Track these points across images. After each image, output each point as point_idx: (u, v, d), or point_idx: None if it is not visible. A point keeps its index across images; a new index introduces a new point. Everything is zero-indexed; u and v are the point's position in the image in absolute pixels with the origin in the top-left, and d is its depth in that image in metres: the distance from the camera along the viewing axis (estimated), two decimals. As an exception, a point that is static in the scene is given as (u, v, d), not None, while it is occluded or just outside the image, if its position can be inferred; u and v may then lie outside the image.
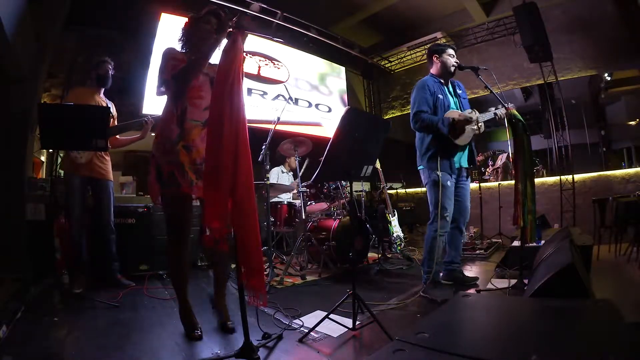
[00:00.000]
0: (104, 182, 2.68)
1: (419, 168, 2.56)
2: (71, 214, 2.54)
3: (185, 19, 1.92)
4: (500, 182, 5.50)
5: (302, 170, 3.53)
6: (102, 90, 2.74)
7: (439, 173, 2.34)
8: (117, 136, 2.76)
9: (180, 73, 1.69)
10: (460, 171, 2.52)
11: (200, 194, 1.70)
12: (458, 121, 2.36)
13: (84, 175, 2.59)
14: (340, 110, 6.09)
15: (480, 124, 2.40)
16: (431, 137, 2.43)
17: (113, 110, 2.82)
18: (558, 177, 5.17)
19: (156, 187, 1.71)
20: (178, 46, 1.86)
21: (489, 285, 2.47)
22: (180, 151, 1.69)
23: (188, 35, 1.85)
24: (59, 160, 3.82)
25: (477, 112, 2.45)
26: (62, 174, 3.85)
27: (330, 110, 6.15)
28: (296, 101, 5.49)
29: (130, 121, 2.71)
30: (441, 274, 2.55)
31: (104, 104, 2.70)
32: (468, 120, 2.36)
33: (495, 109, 2.42)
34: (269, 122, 4.08)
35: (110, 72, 2.73)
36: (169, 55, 1.77)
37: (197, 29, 1.82)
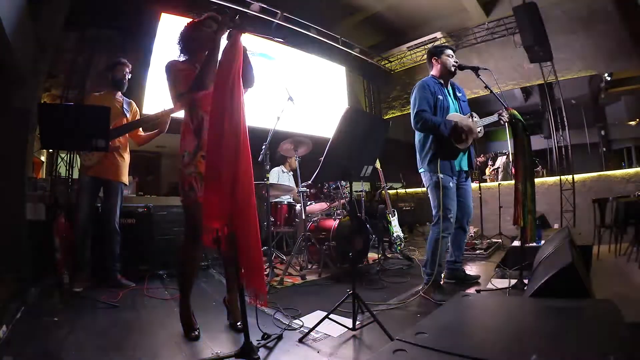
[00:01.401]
0: (114, 183, 2.67)
1: (420, 171, 2.55)
2: (77, 214, 2.55)
3: (185, 23, 1.91)
4: (500, 182, 5.50)
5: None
6: (119, 92, 2.76)
7: (440, 175, 2.33)
8: (140, 133, 2.75)
9: (194, 84, 1.69)
10: (460, 173, 2.52)
11: None
12: (461, 125, 2.35)
13: (94, 176, 2.60)
14: (340, 110, 6.08)
15: (479, 129, 2.42)
16: (432, 140, 2.42)
17: (133, 107, 2.83)
18: (558, 177, 5.17)
19: (181, 196, 1.76)
20: (176, 50, 1.85)
21: (489, 285, 2.47)
22: (199, 162, 1.72)
23: (187, 40, 1.83)
24: (59, 160, 3.83)
25: (476, 115, 2.46)
26: (62, 174, 3.87)
27: (330, 110, 6.15)
28: (296, 101, 5.47)
29: (141, 118, 2.72)
30: (443, 274, 2.54)
31: (121, 104, 2.71)
32: (470, 128, 2.36)
33: (499, 114, 2.42)
34: (269, 122, 4.07)
35: (127, 75, 2.75)
36: (176, 68, 1.78)
37: (198, 34, 1.81)
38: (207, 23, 1.81)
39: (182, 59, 1.85)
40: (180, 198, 1.79)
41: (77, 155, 2.67)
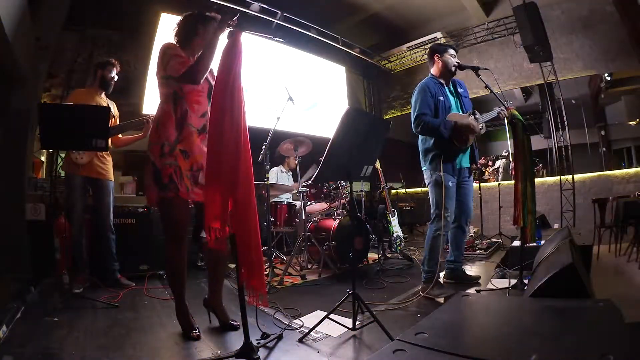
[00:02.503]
0: (104, 182, 2.68)
1: (423, 169, 2.56)
2: (71, 214, 2.54)
3: (185, 14, 1.87)
4: (500, 182, 5.50)
5: (309, 176, 3.52)
6: (103, 92, 2.75)
7: (441, 174, 2.34)
8: (119, 135, 2.76)
9: (186, 75, 1.66)
10: (462, 171, 2.52)
11: (196, 199, 1.70)
12: (461, 125, 2.35)
13: (85, 175, 2.59)
14: (340, 110, 6.08)
15: (481, 125, 2.41)
16: (432, 141, 2.42)
17: (114, 110, 2.82)
18: (558, 177, 5.17)
19: (154, 190, 1.69)
20: (173, 35, 1.81)
21: (489, 285, 2.47)
22: (178, 155, 1.67)
23: (190, 31, 1.79)
24: (59, 160, 3.83)
25: (477, 112, 2.45)
26: (62, 174, 3.87)
27: (329, 110, 6.15)
28: (296, 101, 5.48)
29: (129, 121, 2.72)
30: (443, 273, 2.54)
31: (105, 104, 2.70)
32: (470, 125, 2.35)
33: (499, 108, 2.44)
34: (269, 122, 4.07)
35: (114, 76, 2.73)
36: (172, 51, 1.72)
37: (202, 30, 1.79)
38: (213, 25, 1.76)
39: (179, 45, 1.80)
40: (151, 194, 1.69)
41: (64, 155, 2.62)
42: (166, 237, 1.76)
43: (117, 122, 2.80)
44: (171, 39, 1.84)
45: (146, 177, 1.72)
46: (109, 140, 2.71)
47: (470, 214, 2.58)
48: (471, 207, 2.60)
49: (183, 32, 1.81)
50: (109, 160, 2.75)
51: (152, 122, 2.50)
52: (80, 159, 2.56)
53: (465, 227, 2.59)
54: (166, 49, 1.73)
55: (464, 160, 2.52)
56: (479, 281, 2.58)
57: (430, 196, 2.49)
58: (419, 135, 2.52)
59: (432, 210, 2.45)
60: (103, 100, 2.72)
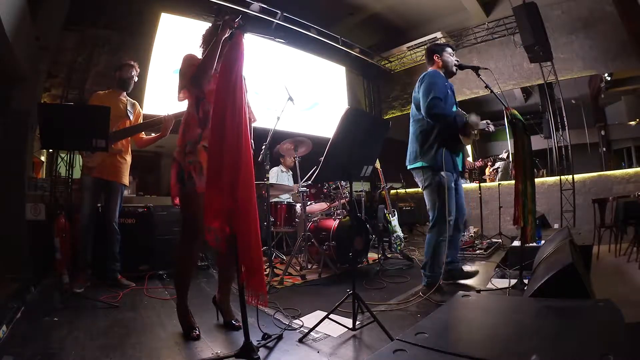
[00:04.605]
0: (114, 184, 2.67)
1: (414, 166, 2.46)
2: (79, 213, 2.56)
3: (213, 23, 1.92)
4: (500, 182, 5.50)
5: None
6: (124, 92, 2.77)
7: (444, 174, 2.30)
8: (142, 135, 2.76)
9: (192, 80, 1.71)
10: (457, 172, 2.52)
11: None
12: (472, 122, 2.32)
13: (97, 177, 2.60)
14: (340, 110, 6.07)
15: (475, 131, 2.42)
16: (437, 132, 2.36)
17: (137, 109, 2.84)
18: (558, 177, 5.17)
19: (176, 187, 1.74)
20: (201, 49, 1.87)
21: (489, 285, 2.47)
22: (200, 151, 1.71)
23: (207, 42, 1.83)
24: (59, 160, 3.83)
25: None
26: (62, 174, 3.88)
27: (329, 110, 6.15)
28: (296, 101, 5.48)
29: (145, 122, 2.74)
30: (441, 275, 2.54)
31: (124, 104, 2.72)
32: (476, 125, 2.35)
33: (487, 123, 2.42)
34: (269, 122, 4.07)
35: (134, 76, 2.76)
36: (190, 61, 1.78)
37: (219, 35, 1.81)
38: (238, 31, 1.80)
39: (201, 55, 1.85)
40: (175, 191, 1.75)
41: (80, 156, 2.66)
42: (182, 233, 1.79)
43: (140, 121, 2.81)
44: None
45: (172, 176, 1.77)
46: (129, 139, 2.73)
47: (465, 213, 2.59)
48: (465, 206, 2.61)
49: (207, 41, 1.84)
50: (127, 161, 2.74)
51: (170, 120, 2.48)
52: (92, 161, 2.57)
53: (460, 227, 2.59)
54: (185, 60, 1.79)
55: (459, 162, 2.52)
56: (479, 281, 2.58)
57: (428, 198, 2.41)
58: (416, 125, 2.46)
59: (431, 215, 2.39)
60: (123, 100, 2.74)
